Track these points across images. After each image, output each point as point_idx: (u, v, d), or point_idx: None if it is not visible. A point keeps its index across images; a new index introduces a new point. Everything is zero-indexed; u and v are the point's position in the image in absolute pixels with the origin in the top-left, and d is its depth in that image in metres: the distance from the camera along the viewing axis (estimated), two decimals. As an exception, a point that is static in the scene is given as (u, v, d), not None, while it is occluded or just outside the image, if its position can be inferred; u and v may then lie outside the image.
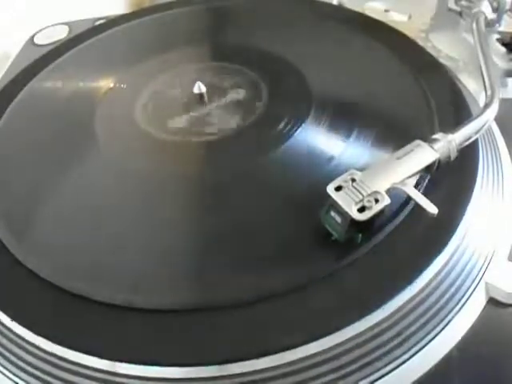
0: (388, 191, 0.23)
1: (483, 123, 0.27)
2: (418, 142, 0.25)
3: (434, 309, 0.23)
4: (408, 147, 0.25)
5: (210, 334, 0.22)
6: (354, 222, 0.22)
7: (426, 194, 0.25)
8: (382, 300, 0.22)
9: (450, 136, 0.25)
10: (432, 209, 0.23)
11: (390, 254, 0.23)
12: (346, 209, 0.22)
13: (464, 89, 0.32)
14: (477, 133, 0.26)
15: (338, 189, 0.23)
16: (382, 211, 0.23)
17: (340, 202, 0.23)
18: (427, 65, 0.33)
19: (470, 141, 0.26)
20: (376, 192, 0.23)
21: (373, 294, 0.22)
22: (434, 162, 0.25)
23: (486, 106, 0.27)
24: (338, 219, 0.23)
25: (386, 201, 0.23)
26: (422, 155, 0.25)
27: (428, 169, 0.25)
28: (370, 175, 0.24)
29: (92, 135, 0.32)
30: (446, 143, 0.25)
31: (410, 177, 0.24)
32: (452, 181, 0.26)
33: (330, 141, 0.29)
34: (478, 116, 0.27)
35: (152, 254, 0.25)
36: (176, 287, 0.24)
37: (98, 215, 0.27)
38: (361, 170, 0.24)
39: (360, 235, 0.23)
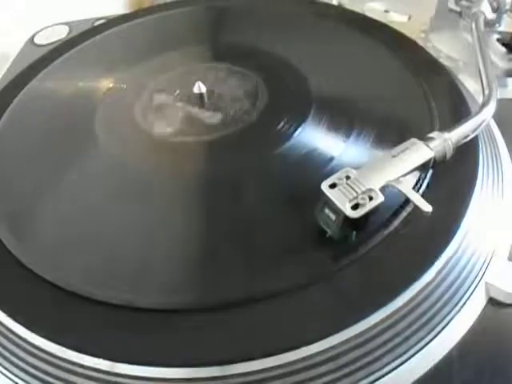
0: (383, 189, 0.23)
1: (480, 122, 0.27)
2: (413, 140, 0.25)
3: (433, 309, 0.23)
4: (403, 145, 0.25)
5: (210, 334, 0.22)
6: (347, 220, 0.22)
7: (426, 193, 0.25)
8: (382, 300, 0.22)
9: (447, 135, 0.25)
10: (426, 207, 0.23)
11: (390, 254, 0.23)
12: (340, 206, 0.22)
13: (464, 89, 0.32)
14: (473, 132, 0.26)
15: (333, 186, 0.23)
16: (376, 209, 0.23)
17: (334, 200, 0.23)
18: (427, 65, 0.33)
19: (467, 139, 0.26)
20: (370, 189, 0.23)
21: (373, 294, 0.22)
22: (429, 161, 0.25)
23: (484, 105, 0.27)
24: (332, 216, 0.23)
25: (379, 198, 0.23)
26: (417, 153, 0.25)
27: (423, 167, 0.25)
28: (365, 173, 0.24)
29: (92, 135, 0.31)
30: (442, 142, 0.25)
31: (404, 175, 0.24)
32: (452, 181, 0.26)
33: (329, 141, 0.29)
34: (475, 115, 0.27)
35: (152, 253, 0.25)
36: (176, 287, 0.24)
37: (98, 215, 0.27)
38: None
39: (354, 233, 0.23)
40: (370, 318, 0.21)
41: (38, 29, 0.51)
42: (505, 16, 0.38)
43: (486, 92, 0.29)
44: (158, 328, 0.22)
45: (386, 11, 0.46)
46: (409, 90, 0.31)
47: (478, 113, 0.27)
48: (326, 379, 0.21)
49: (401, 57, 0.33)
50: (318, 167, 0.27)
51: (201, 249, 0.25)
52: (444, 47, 0.40)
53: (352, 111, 0.30)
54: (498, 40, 0.38)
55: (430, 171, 0.26)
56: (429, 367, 0.22)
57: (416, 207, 0.23)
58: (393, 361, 0.22)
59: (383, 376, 0.22)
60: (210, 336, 0.22)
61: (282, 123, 0.30)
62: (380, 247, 0.23)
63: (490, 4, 0.37)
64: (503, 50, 0.38)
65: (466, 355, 0.23)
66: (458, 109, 0.30)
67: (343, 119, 0.30)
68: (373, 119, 0.30)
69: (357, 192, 0.23)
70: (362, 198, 0.23)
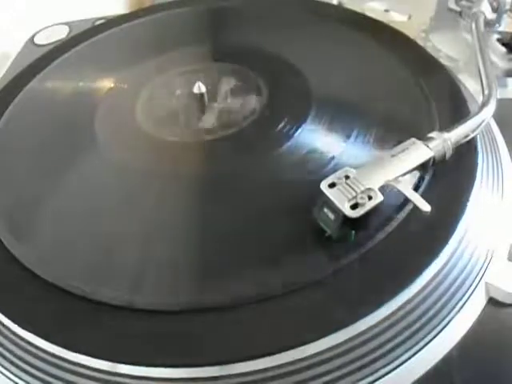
0: (382, 188, 0.23)
1: (480, 122, 0.27)
2: (413, 140, 0.25)
3: (433, 309, 0.23)
4: (403, 145, 0.25)
5: (210, 334, 0.22)
6: (346, 219, 0.22)
7: (425, 193, 0.25)
8: (382, 300, 0.22)
9: (446, 135, 0.26)
10: (425, 206, 0.23)
11: (389, 253, 0.23)
12: (339, 205, 0.22)
13: (464, 89, 0.32)
14: (473, 132, 0.26)
15: (332, 186, 0.23)
16: (376, 208, 0.23)
17: (333, 199, 0.23)
18: (427, 65, 0.33)
19: (467, 139, 0.26)
20: (369, 189, 0.23)
21: (372, 294, 0.22)
22: (428, 160, 0.25)
23: (483, 105, 0.27)
24: (331, 216, 0.23)
25: (379, 198, 0.23)
26: (417, 153, 0.25)
27: (423, 167, 0.25)
28: (364, 172, 0.24)
29: (92, 135, 0.31)
30: (442, 142, 0.25)
31: (404, 174, 0.24)
32: (451, 180, 0.26)
33: (329, 141, 0.29)
34: (475, 115, 0.27)
35: (152, 254, 0.25)
36: (176, 288, 0.24)
37: (98, 215, 0.27)
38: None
39: (353, 232, 0.23)
40: (369, 317, 0.21)
41: (38, 29, 0.51)
42: (505, 16, 0.38)
43: (486, 92, 0.29)
44: (158, 328, 0.22)
45: (386, 11, 0.46)
46: (409, 90, 0.31)
47: (477, 113, 0.27)
48: (326, 379, 0.21)
49: (401, 57, 0.33)
50: (318, 167, 0.27)
51: (200, 249, 0.25)
52: (444, 47, 0.40)
53: (352, 111, 0.30)
54: (498, 40, 0.38)
55: (430, 171, 0.26)
56: (429, 367, 0.22)
57: (415, 207, 0.23)
58: (393, 361, 0.22)
59: (383, 376, 0.22)
60: (210, 336, 0.22)
61: (282, 123, 0.30)
62: (379, 247, 0.23)
63: (490, 4, 0.37)
64: (503, 49, 0.38)
65: (466, 355, 0.23)
66: (457, 109, 0.30)
67: (343, 119, 0.30)
68: (372, 119, 0.30)
69: (356, 191, 0.23)
70: (362, 198, 0.23)
